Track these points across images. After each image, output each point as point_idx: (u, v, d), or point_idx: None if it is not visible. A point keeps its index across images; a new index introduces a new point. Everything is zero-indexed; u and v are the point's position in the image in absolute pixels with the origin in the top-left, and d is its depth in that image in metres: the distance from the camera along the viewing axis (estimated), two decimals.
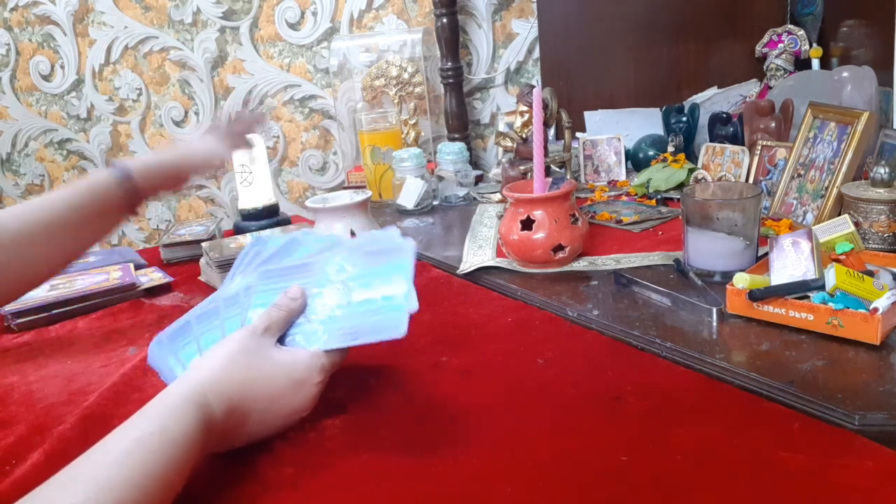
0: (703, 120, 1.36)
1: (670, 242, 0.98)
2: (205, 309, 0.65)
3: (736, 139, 1.24)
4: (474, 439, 0.56)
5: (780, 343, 0.67)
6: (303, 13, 1.71)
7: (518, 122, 1.15)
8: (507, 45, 1.66)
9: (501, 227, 0.93)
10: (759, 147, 1.12)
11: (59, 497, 0.42)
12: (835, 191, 0.92)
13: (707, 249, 0.83)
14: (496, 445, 0.55)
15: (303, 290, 0.62)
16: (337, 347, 0.59)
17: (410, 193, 1.28)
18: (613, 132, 1.39)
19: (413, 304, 0.57)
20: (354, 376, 0.68)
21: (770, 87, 1.39)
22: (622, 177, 1.35)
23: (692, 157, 1.28)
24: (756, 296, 0.70)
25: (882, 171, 0.85)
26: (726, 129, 1.27)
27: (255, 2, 1.72)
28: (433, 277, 0.96)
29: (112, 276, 1.01)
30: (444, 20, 1.53)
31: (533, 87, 1.03)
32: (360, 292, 0.60)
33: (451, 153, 1.33)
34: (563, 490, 0.49)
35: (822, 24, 1.41)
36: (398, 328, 0.56)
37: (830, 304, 0.66)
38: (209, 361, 0.56)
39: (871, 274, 0.70)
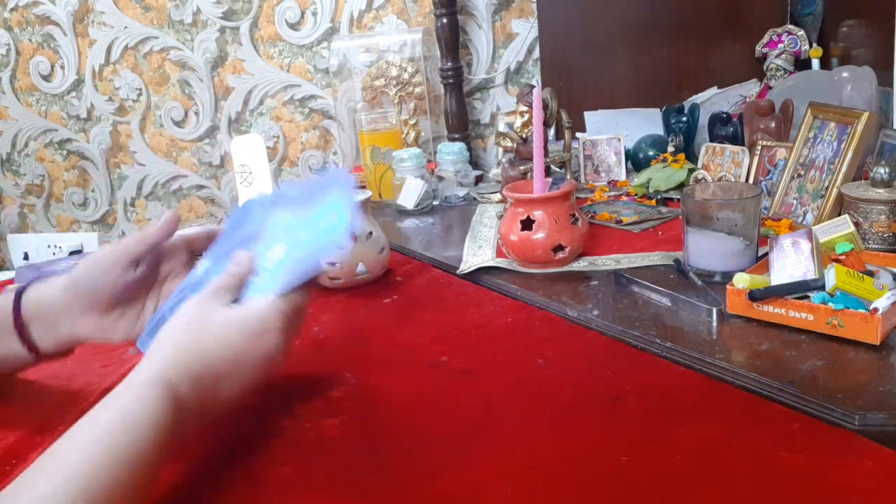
0: (703, 120, 1.36)
1: (670, 242, 0.98)
2: (176, 299, 0.64)
3: (736, 139, 1.24)
4: (474, 439, 0.56)
5: (780, 343, 0.67)
6: (303, 13, 1.71)
7: (518, 122, 1.15)
8: (507, 45, 1.66)
9: (501, 227, 0.93)
10: (759, 147, 1.12)
11: (26, 491, 0.42)
12: (835, 191, 0.92)
13: (707, 249, 0.83)
14: (496, 445, 0.55)
15: (249, 254, 0.61)
16: (287, 285, 0.58)
17: (410, 193, 1.28)
18: (613, 132, 1.39)
19: (348, 220, 0.58)
20: (354, 376, 0.68)
21: (770, 87, 1.39)
22: (622, 177, 1.35)
23: (692, 157, 1.28)
24: (756, 296, 0.70)
25: (882, 171, 0.85)
26: (726, 129, 1.27)
27: (255, 2, 1.72)
28: (433, 277, 0.96)
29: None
30: (444, 20, 1.53)
31: (533, 87, 1.03)
32: (303, 234, 0.61)
33: (451, 153, 1.33)
34: (563, 490, 0.49)
35: (822, 24, 1.41)
36: (338, 243, 0.58)
37: (830, 304, 0.66)
38: (162, 339, 0.55)
39: (871, 274, 0.70)
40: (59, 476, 0.43)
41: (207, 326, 0.55)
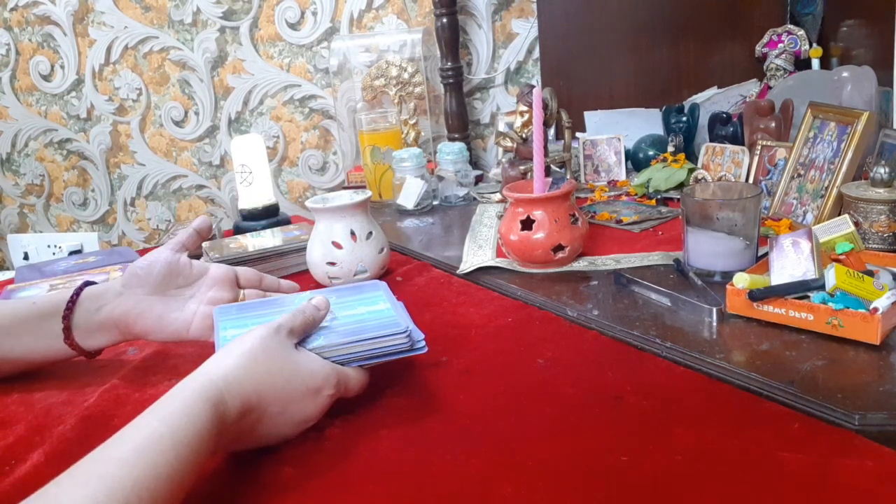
0: (703, 120, 1.36)
1: (670, 242, 0.98)
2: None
3: (736, 139, 1.24)
4: (474, 439, 0.56)
5: (780, 343, 0.67)
6: (303, 13, 1.71)
7: (518, 122, 1.15)
8: (507, 45, 1.66)
9: (501, 227, 0.93)
10: (759, 147, 1.12)
11: (66, 496, 0.41)
12: (835, 191, 0.92)
13: (707, 249, 0.83)
14: (496, 445, 0.55)
15: (328, 301, 0.64)
16: (346, 358, 0.60)
17: (410, 193, 1.28)
18: (613, 132, 1.39)
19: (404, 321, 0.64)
20: None
21: (770, 87, 1.39)
22: (622, 177, 1.35)
23: (692, 157, 1.28)
24: (756, 296, 0.70)
25: (882, 171, 0.85)
26: (726, 129, 1.27)
27: (255, 2, 1.72)
28: (433, 277, 0.96)
29: (112, 277, 1.01)
30: (444, 20, 1.53)
31: (533, 87, 1.02)
32: (345, 311, 0.67)
33: (451, 153, 1.33)
34: (563, 490, 0.49)
35: (822, 24, 1.41)
36: (396, 325, 0.62)
37: (830, 304, 0.66)
38: (227, 356, 0.55)
39: (871, 274, 0.70)
40: (101, 484, 0.42)
41: (275, 363, 0.55)
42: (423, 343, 0.63)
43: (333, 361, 0.59)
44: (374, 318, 0.65)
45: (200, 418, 0.48)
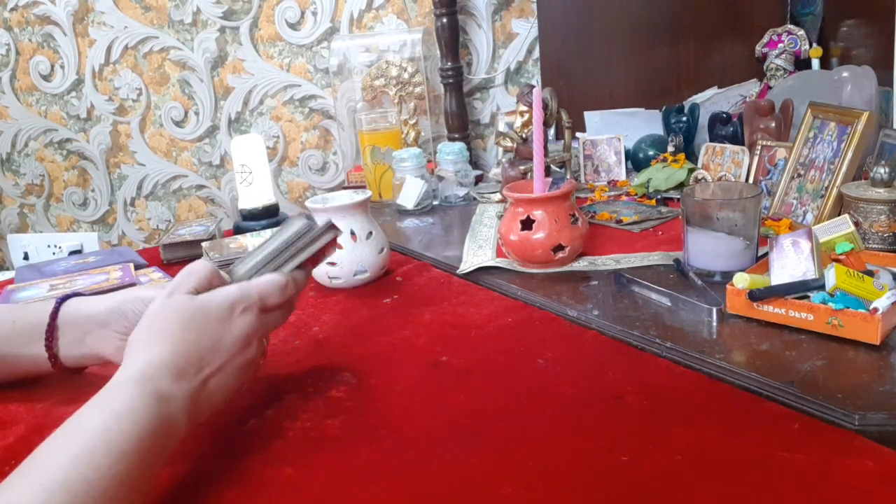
0: (703, 120, 1.36)
1: (670, 242, 0.98)
2: None
3: (736, 139, 1.24)
4: (474, 439, 0.56)
5: (780, 343, 0.67)
6: (303, 13, 1.71)
7: (518, 122, 1.15)
8: (507, 45, 1.66)
9: (501, 227, 0.93)
10: (759, 147, 1.12)
11: (3, 494, 0.41)
12: (835, 191, 0.92)
13: (707, 249, 0.83)
14: (496, 445, 0.55)
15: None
16: (252, 269, 0.60)
17: (410, 193, 1.28)
18: (613, 132, 1.39)
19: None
20: (354, 376, 0.68)
21: (770, 87, 1.39)
22: (622, 177, 1.35)
23: (692, 157, 1.28)
24: (756, 296, 0.70)
25: (882, 171, 0.85)
26: (726, 129, 1.27)
27: (255, 2, 1.72)
28: (433, 277, 0.96)
29: (112, 277, 1.01)
30: (444, 20, 1.53)
31: (533, 87, 1.02)
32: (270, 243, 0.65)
33: (451, 153, 1.33)
34: (563, 490, 0.49)
35: (822, 24, 1.41)
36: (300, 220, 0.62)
37: (830, 304, 0.66)
38: (134, 342, 0.55)
39: (871, 274, 0.70)
40: (37, 472, 0.43)
41: (178, 318, 0.55)
42: (326, 226, 0.63)
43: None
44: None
45: (129, 395, 0.49)
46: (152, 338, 0.55)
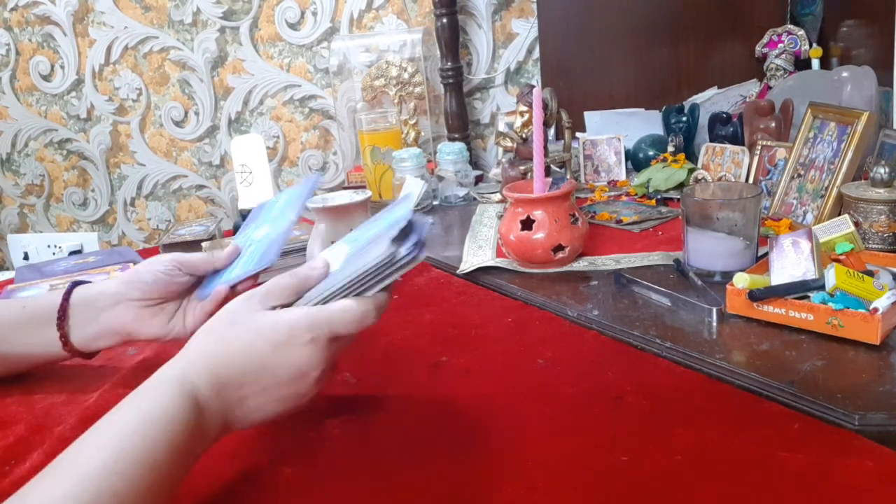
0: (703, 120, 1.36)
1: (670, 242, 0.98)
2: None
3: (736, 139, 1.24)
4: (474, 439, 0.56)
5: (780, 343, 0.67)
6: (303, 13, 1.71)
7: (518, 122, 1.15)
8: (507, 45, 1.66)
9: (501, 227, 0.93)
10: (759, 147, 1.12)
11: (34, 492, 0.41)
12: (835, 191, 0.92)
13: (707, 249, 0.83)
14: (496, 445, 0.55)
15: (326, 262, 0.55)
16: (325, 295, 0.52)
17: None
18: (613, 132, 1.39)
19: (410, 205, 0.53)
20: (354, 376, 0.68)
21: (770, 87, 1.39)
22: (622, 177, 1.35)
23: (692, 157, 1.28)
24: (756, 296, 0.70)
25: (882, 171, 0.85)
26: (726, 129, 1.27)
27: (255, 2, 1.72)
28: (433, 277, 0.96)
29: (112, 277, 1.01)
30: (444, 20, 1.53)
31: (533, 87, 1.02)
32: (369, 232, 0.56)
33: (451, 153, 1.33)
34: (563, 490, 0.49)
35: (822, 24, 1.41)
36: (405, 210, 0.52)
37: (830, 304, 0.66)
38: (193, 339, 0.53)
39: (871, 274, 0.70)
40: (71, 478, 0.42)
41: (237, 330, 0.51)
42: (414, 248, 0.51)
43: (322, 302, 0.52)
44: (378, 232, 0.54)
45: (167, 399, 0.47)
46: (207, 337, 0.52)
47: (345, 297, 0.52)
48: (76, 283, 0.70)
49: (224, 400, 0.50)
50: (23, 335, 0.68)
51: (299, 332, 0.51)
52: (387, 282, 0.52)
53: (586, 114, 1.50)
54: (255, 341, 0.51)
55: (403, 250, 0.51)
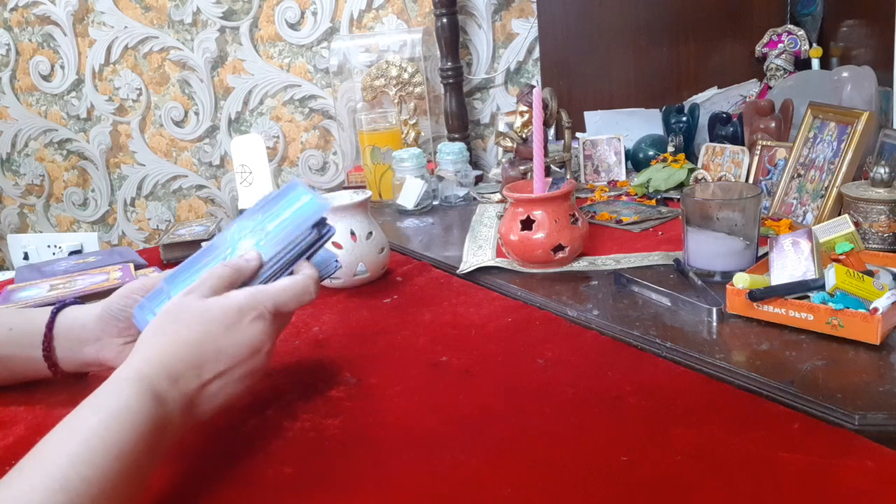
0: (703, 120, 1.36)
1: (670, 242, 0.98)
2: (174, 271, 0.66)
3: (736, 139, 1.24)
4: (474, 439, 0.56)
5: (780, 343, 0.67)
6: (303, 13, 1.71)
7: (518, 122, 1.15)
8: (507, 45, 1.66)
9: (501, 227, 0.93)
10: (759, 147, 1.12)
11: (3, 490, 0.41)
12: (835, 191, 0.92)
13: (707, 249, 0.83)
14: (496, 445, 0.55)
15: (259, 254, 0.61)
16: (266, 275, 0.59)
17: (410, 193, 1.28)
18: (613, 132, 1.39)
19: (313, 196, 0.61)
20: (354, 376, 0.68)
21: (770, 87, 1.39)
22: (622, 177, 1.35)
23: (692, 157, 1.28)
24: (756, 296, 0.70)
25: (882, 171, 0.85)
26: (726, 129, 1.27)
27: (255, 2, 1.72)
28: (433, 277, 0.96)
29: (112, 277, 1.01)
30: (444, 20, 1.53)
31: (533, 87, 1.02)
32: (269, 225, 0.63)
33: (451, 153, 1.33)
34: (563, 490, 0.49)
35: (822, 24, 1.41)
36: (306, 199, 0.61)
37: (830, 304, 0.66)
38: (141, 340, 0.55)
39: (871, 274, 0.70)
40: (37, 472, 0.42)
41: (183, 319, 0.54)
42: (330, 227, 0.63)
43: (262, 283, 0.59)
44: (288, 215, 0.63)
45: (127, 395, 0.48)
46: (156, 336, 0.55)
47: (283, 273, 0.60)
48: (60, 308, 0.68)
49: (184, 390, 0.52)
50: (8, 359, 0.67)
51: (247, 310, 0.55)
52: (311, 259, 0.62)
53: (586, 114, 1.50)
54: (208, 328, 0.54)
55: (324, 230, 0.62)
